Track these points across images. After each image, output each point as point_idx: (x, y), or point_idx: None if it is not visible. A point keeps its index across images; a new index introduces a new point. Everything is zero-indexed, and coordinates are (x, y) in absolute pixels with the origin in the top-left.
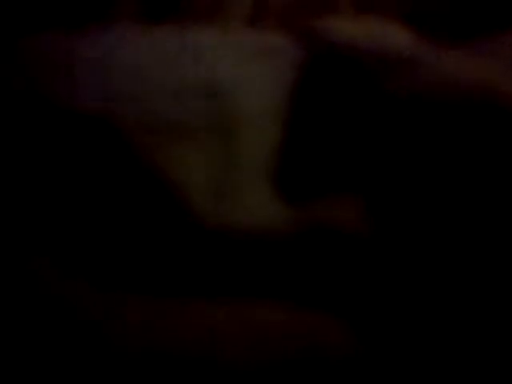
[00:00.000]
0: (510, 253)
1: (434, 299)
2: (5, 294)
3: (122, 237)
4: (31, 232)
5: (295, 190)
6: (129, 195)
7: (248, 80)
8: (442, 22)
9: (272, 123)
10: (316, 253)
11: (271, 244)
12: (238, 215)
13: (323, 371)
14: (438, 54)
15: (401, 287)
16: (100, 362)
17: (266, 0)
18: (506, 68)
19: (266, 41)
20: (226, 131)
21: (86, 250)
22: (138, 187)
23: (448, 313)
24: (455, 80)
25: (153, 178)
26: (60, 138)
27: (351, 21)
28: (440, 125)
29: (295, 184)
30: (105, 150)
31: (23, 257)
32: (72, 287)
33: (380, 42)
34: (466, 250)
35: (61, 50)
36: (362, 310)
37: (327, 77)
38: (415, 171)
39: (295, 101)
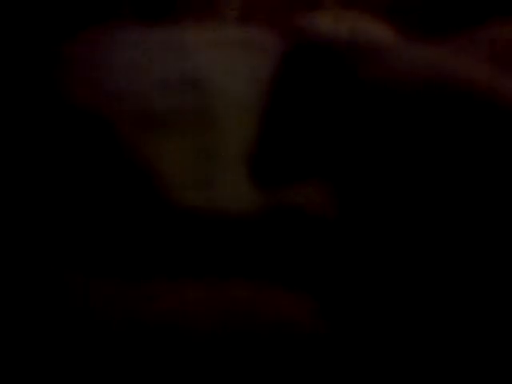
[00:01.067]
0: (473, 228)
1: (396, 278)
2: None
3: (101, 219)
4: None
5: (268, 176)
6: (110, 180)
7: (229, 72)
8: (421, 18)
9: (249, 114)
10: (285, 234)
11: (243, 226)
12: (213, 199)
13: (288, 346)
14: (410, 47)
15: (363, 266)
16: (79, 335)
17: None
18: (472, 59)
19: (248, 35)
20: (205, 121)
21: (70, 233)
22: (120, 172)
23: (409, 292)
24: (421, 69)
25: (133, 164)
26: (50, 128)
27: (332, 16)
28: (405, 111)
29: (268, 170)
30: (90, 138)
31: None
32: (55, 268)
33: (357, 36)
34: (420, 227)
35: (54, 49)
36: (327, 289)
37: (305, 69)
38: (381, 157)
39: (272, 92)
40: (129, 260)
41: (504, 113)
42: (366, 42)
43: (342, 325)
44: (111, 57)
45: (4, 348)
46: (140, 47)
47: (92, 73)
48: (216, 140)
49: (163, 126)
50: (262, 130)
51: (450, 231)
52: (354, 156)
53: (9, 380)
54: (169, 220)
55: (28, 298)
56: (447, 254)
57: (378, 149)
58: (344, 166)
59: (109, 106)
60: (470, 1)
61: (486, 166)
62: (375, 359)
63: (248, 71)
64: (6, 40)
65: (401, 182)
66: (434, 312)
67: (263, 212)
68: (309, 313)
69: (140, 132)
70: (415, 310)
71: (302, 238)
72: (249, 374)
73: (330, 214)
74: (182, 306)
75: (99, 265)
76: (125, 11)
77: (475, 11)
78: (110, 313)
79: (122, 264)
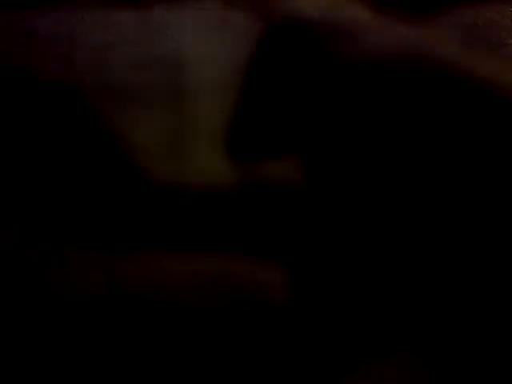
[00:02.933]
0: (452, 219)
1: (366, 249)
2: None
3: (76, 194)
4: None
5: (243, 150)
6: (88, 158)
7: (206, 51)
8: None
9: (226, 91)
10: (259, 207)
11: (218, 199)
12: (189, 174)
13: (263, 316)
14: (386, 27)
15: (334, 237)
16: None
17: None
18: (450, 39)
19: (225, 15)
20: (180, 97)
21: (42, 207)
22: (95, 148)
23: (378, 265)
24: (398, 49)
25: (110, 140)
26: (25, 104)
27: None
28: (381, 90)
29: (243, 145)
30: (67, 115)
31: None
32: (29, 243)
33: (332, 15)
34: (387, 201)
35: (25, 26)
36: (299, 259)
37: (280, 48)
38: (350, 129)
39: (248, 70)
40: (104, 232)
41: (480, 92)
42: (341, 21)
43: (313, 294)
44: (85, 33)
45: None
46: (115, 24)
47: (65, 49)
48: (190, 116)
49: (136, 102)
50: (237, 106)
51: (420, 209)
52: (329, 132)
53: None
54: (142, 193)
55: (9, 270)
56: (412, 227)
57: (352, 124)
58: (319, 141)
59: (81, 80)
60: None
61: (460, 147)
62: (344, 329)
63: (225, 51)
64: None
65: (374, 158)
66: (397, 282)
67: (238, 186)
68: (282, 282)
69: (113, 107)
70: (382, 282)
71: (275, 211)
72: (224, 345)
73: (302, 187)
74: (162, 281)
75: (74, 237)
76: None
77: None
78: (88, 282)
79: (97, 236)
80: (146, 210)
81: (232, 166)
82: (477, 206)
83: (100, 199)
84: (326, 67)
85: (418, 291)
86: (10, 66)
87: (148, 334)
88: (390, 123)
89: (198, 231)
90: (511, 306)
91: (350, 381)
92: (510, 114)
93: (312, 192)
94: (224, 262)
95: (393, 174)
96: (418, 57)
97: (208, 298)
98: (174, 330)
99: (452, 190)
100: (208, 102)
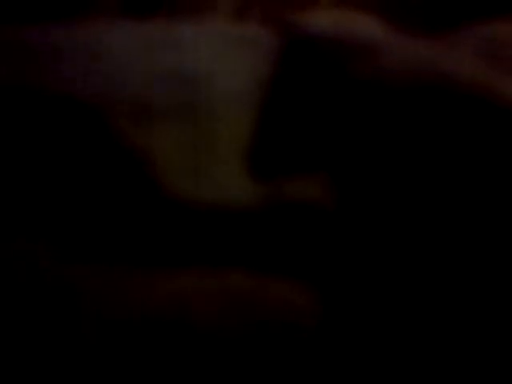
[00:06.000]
0: (470, 225)
1: (395, 270)
2: None
3: (97, 211)
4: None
5: (266, 168)
6: (108, 173)
7: (226, 67)
8: (413, 15)
9: (247, 107)
10: (283, 226)
11: (242, 217)
12: (211, 191)
13: (289, 336)
14: (401, 44)
15: (362, 257)
16: (70, 333)
17: None
18: (465, 56)
19: (245, 31)
20: (203, 114)
21: (65, 224)
22: (117, 165)
23: (406, 288)
24: (413, 66)
25: (131, 157)
26: (43, 121)
27: (325, 14)
28: (397, 107)
29: (266, 163)
30: (87, 131)
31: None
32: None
33: (349, 32)
34: (417, 222)
35: (45, 40)
36: (326, 280)
37: (298, 65)
38: (375, 150)
39: (270, 86)
40: (125, 249)
41: (498, 110)
42: (357, 39)
43: (341, 316)
44: (102, 48)
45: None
46: (136, 41)
47: (87, 64)
48: (213, 134)
49: (159, 119)
50: (259, 123)
51: (446, 228)
52: (350, 150)
53: None
54: (164, 211)
55: (21, 284)
56: (445, 249)
57: (373, 143)
58: (341, 159)
59: (105, 97)
60: None
61: (479, 162)
62: (372, 352)
63: (244, 66)
64: None
65: (396, 177)
66: (432, 310)
67: (261, 204)
68: (309, 303)
69: (136, 124)
70: (413, 306)
71: (300, 231)
72: (249, 364)
73: (328, 207)
74: (181, 295)
75: (95, 254)
76: (111, 5)
77: (469, 8)
78: (106, 302)
79: (118, 253)
80: (166, 226)
81: (254, 183)
82: (495, 232)
83: (120, 215)
84: (345, 85)
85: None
86: (21, 82)
87: (174, 351)
88: (408, 140)
89: (220, 248)
90: (511, 306)
91: None
92: None
93: (340, 212)
94: (251, 279)
95: (417, 191)
96: (434, 73)
97: (233, 316)
98: (199, 349)
99: (471, 209)
100: (230, 120)
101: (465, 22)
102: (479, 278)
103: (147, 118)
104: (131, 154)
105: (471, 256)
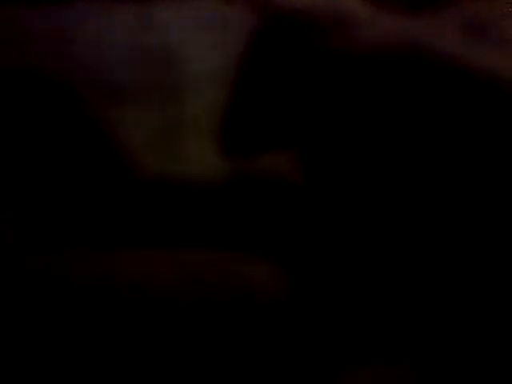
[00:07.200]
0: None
1: (360, 245)
2: None
3: (65, 189)
4: None
5: (236, 144)
6: (75, 150)
7: (198, 45)
8: None
9: (219, 84)
10: (252, 200)
11: (211, 192)
12: (181, 167)
13: (252, 311)
14: (382, 18)
15: (330, 233)
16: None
17: None
18: (445, 30)
19: (221, 11)
20: (174, 91)
21: (35, 203)
22: (85, 142)
23: (371, 262)
24: (393, 40)
25: (99, 134)
26: (15, 97)
27: None
28: (376, 80)
29: (237, 139)
30: (56, 110)
31: None
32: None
33: (329, 6)
34: (390, 196)
35: (21, 25)
36: (293, 255)
37: (275, 40)
38: (349, 124)
39: (242, 64)
40: (93, 228)
41: (477, 83)
42: (338, 13)
43: (308, 292)
44: (81, 31)
45: None
46: (110, 22)
47: (60, 47)
48: (183, 110)
49: (129, 98)
50: (231, 100)
51: (418, 205)
52: (322, 124)
53: None
54: (131, 187)
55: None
56: (410, 226)
57: (347, 117)
58: (313, 134)
59: (75, 76)
60: None
61: (459, 138)
62: (336, 326)
63: (218, 44)
64: None
65: (368, 153)
66: (387, 279)
67: (231, 180)
68: (271, 279)
69: (104, 103)
70: (381, 284)
71: (269, 205)
72: (213, 338)
73: (298, 182)
74: (148, 275)
75: (62, 232)
76: None
77: None
78: (74, 278)
79: (86, 231)
80: (135, 204)
81: (224, 159)
82: (475, 201)
83: (91, 194)
84: (322, 59)
85: (413, 293)
86: (7, 65)
87: (138, 329)
88: (388, 115)
89: (188, 225)
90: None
91: (339, 382)
92: (508, 106)
93: (307, 187)
94: (214, 257)
95: (390, 166)
96: (416, 47)
97: (196, 292)
98: (163, 326)
99: (448, 183)
100: (199, 93)
101: (446, 2)
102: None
103: (118, 96)
104: (100, 131)
105: (444, 233)
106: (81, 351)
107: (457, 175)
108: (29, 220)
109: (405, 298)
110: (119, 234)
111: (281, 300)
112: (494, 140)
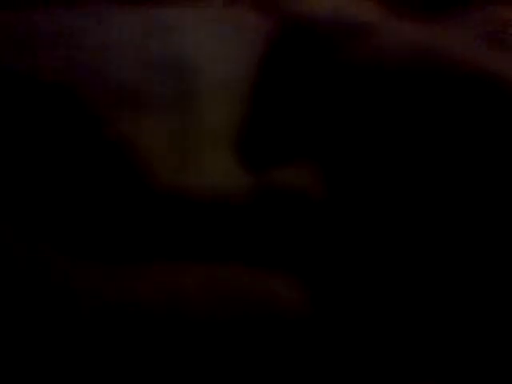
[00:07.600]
0: (462, 221)
1: (384, 261)
2: None
3: (83, 204)
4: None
5: (256, 156)
6: (92, 164)
7: (215, 53)
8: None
9: (236, 94)
10: (272, 215)
11: (230, 207)
12: (199, 181)
13: (278, 328)
14: (398, 26)
15: (351, 249)
16: (65, 327)
17: None
18: (463, 38)
19: (236, 16)
20: (190, 102)
21: (50, 217)
22: (101, 155)
23: (398, 278)
24: (410, 48)
25: (116, 147)
26: (25, 108)
27: None
28: (393, 91)
29: (256, 151)
30: (69, 119)
31: None
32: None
33: (344, 15)
34: (410, 210)
35: (26, 24)
36: (315, 271)
37: (291, 50)
38: (368, 138)
39: (260, 73)
40: (113, 242)
41: (494, 91)
42: (353, 22)
43: (330, 308)
44: (87, 34)
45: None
46: (118, 24)
47: (65, 49)
48: (201, 121)
49: (146, 107)
50: (248, 111)
51: (442, 220)
52: (342, 137)
53: None
54: (146, 199)
55: (13, 280)
56: (440, 242)
57: (367, 128)
58: (332, 146)
59: (90, 84)
60: None
61: (477, 144)
62: (362, 345)
63: (234, 53)
64: None
65: (390, 164)
66: (421, 302)
67: (250, 193)
68: (295, 296)
69: (122, 112)
70: (404, 298)
71: (289, 219)
72: (243, 357)
73: (318, 196)
74: (173, 293)
75: (84, 247)
76: None
77: None
78: (100, 296)
79: (106, 246)
80: (150, 217)
81: (243, 172)
82: (493, 208)
83: (103, 205)
84: (338, 68)
85: (439, 305)
86: (10, 67)
87: (165, 343)
88: (411, 126)
89: (207, 239)
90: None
91: None
92: None
93: (330, 201)
94: (238, 271)
95: (416, 178)
96: (431, 56)
97: (224, 306)
98: (190, 340)
99: (470, 194)
100: (216, 104)
101: (460, 5)
102: (471, 266)
103: (134, 106)
104: (117, 143)
105: (464, 243)
106: (105, 364)
107: (479, 185)
108: (40, 231)
109: (429, 308)
110: (134, 249)
111: (306, 315)
112: (506, 148)
